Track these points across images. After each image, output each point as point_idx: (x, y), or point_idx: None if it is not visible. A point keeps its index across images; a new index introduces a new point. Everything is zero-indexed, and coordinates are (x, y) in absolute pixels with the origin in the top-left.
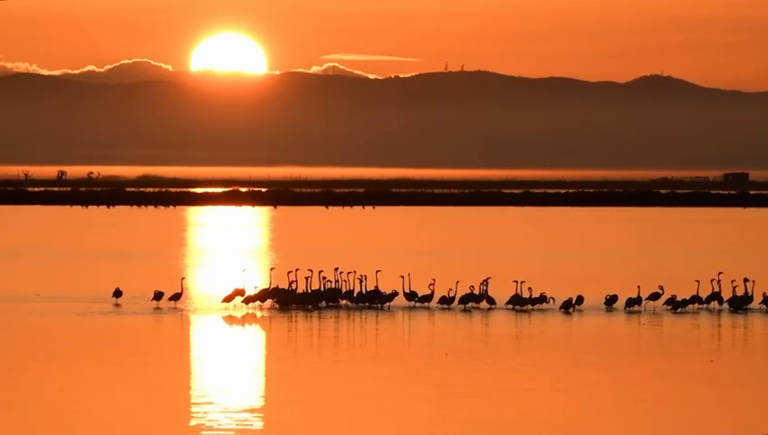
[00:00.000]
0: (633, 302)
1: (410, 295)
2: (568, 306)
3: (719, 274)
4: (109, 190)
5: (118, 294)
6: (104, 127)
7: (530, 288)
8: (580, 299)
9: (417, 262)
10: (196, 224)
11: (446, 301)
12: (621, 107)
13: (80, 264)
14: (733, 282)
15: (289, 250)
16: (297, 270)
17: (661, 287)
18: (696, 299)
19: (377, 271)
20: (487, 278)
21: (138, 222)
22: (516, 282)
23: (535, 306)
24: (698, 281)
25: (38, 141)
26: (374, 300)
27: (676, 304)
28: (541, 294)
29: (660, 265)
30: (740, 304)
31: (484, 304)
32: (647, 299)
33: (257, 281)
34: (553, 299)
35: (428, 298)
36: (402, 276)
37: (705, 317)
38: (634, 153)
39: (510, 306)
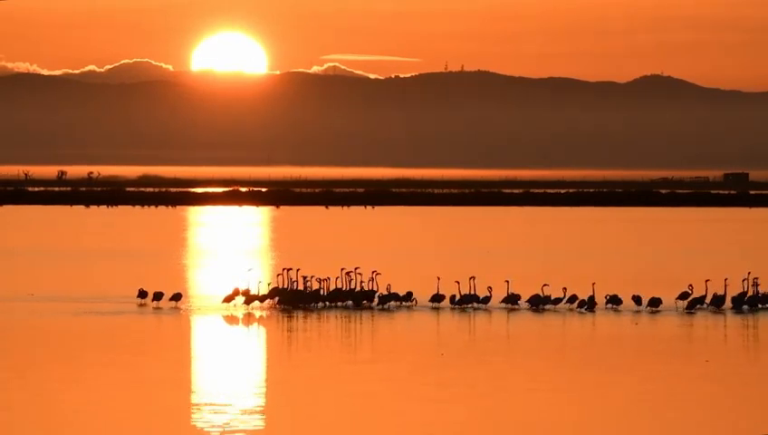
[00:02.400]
0: (656, 301)
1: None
2: (583, 305)
3: (748, 273)
4: (109, 190)
5: (143, 294)
6: (104, 127)
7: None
8: (591, 299)
9: (417, 262)
10: (197, 224)
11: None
12: (621, 107)
13: (80, 264)
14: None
15: (289, 250)
16: (298, 270)
17: (690, 287)
18: (718, 299)
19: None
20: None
21: (138, 222)
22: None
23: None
24: (702, 280)
25: (38, 141)
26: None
27: (692, 303)
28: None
29: (660, 266)
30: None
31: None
32: (676, 299)
33: (260, 281)
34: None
35: (440, 298)
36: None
37: (706, 317)
38: (634, 153)
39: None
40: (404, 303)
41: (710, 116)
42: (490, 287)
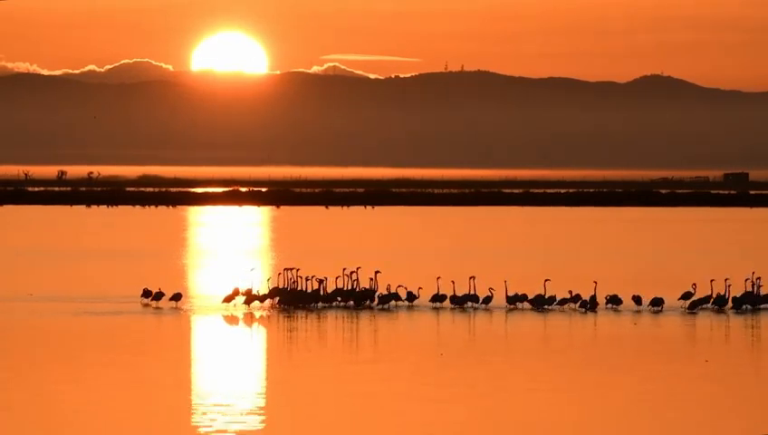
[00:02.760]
0: (658, 301)
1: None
2: (585, 305)
3: (752, 273)
4: (109, 190)
5: (147, 294)
6: (104, 127)
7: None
8: (593, 299)
9: (417, 262)
10: (197, 224)
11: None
12: (621, 107)
13: (80, 264)
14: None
15: (289, 250)
16: (297, 269)
17: (694, 286)
18: (720, 299)
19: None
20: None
21: (138, 222)
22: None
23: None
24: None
25: (38, 141)
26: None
27: (695, 304)
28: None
29: (660, 266)
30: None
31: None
32: (679, 299)
33: (261, 281)
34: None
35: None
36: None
37: (707, 317)
38: (634, 153)
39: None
40: (408, 302)
41: (710, 116)
42: (492, 289)
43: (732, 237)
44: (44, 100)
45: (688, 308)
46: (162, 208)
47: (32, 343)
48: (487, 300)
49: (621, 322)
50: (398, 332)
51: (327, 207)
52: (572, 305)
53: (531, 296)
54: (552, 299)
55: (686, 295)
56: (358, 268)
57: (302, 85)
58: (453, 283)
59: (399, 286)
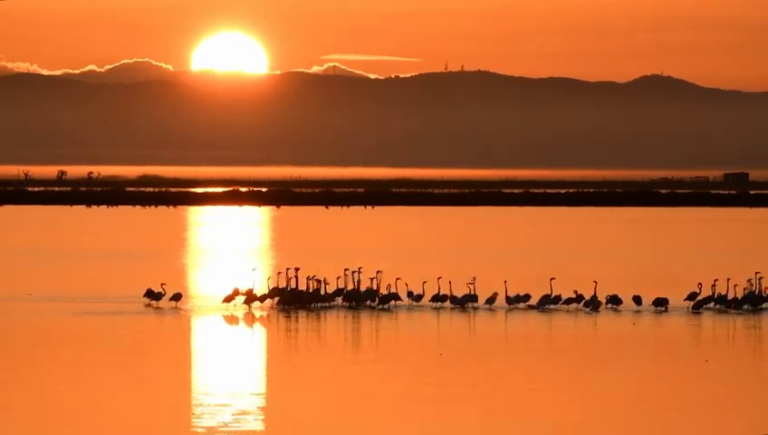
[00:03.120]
0: (661, 301)
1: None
2: (588, 305)
3: (755, 273)
4: (109, 190)
5: (150, 294)
6: (104, 127)
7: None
8: (594, 299)
9: (417, 262)
10: (197, 224)
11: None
12: (621, 107)
13: (80, 264)
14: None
15: (290, 250)
16: (297, 269)
17: (699, 286)
18: (723, 299)
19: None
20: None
21: (138, 222)
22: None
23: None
24: (698, 280)
25: (38, 141)
26: (387, 301)
27: (699, 304)
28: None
29: (661, 265)
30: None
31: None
32: (685, 299)
33: (261, 281)
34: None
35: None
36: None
37: (707, 317)
38: (634, 153)
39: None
40: (415, 302)
41: (710, 116)
42: (496, 292)
43: (732, 237)
44: (44, 100)
45: (693, 308)
46: (162, 208)
47: (32, 343)
48: (490, 300)
49: (621, 322)
50: (399, 332)
51: (327, 207)
52: (576, 305)
53: (536, 296)
54: (558, 298)
55: (692, 296)
56: (360, 268)
57: (302, 85)
58: (450, 283)
59: (398, 279)
